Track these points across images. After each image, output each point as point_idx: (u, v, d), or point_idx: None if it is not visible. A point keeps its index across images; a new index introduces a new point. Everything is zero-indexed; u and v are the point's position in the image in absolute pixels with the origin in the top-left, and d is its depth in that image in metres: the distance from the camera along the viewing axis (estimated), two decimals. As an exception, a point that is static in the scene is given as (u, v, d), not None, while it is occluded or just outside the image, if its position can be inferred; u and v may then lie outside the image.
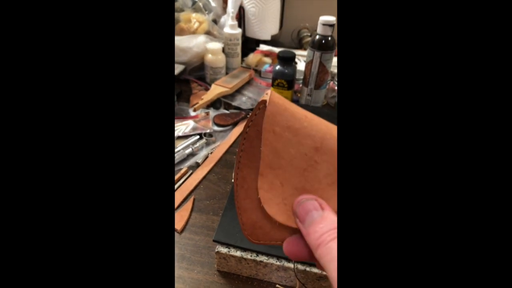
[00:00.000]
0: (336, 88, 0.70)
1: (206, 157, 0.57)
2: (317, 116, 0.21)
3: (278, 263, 0.35)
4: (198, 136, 0.60)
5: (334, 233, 0.17)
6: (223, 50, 0.77)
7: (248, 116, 0.67)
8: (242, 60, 0.85)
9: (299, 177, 0.20)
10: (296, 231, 0.20)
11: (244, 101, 0.71)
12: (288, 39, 1.02)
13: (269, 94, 0.20)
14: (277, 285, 0.36)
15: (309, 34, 0.98)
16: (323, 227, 0.17)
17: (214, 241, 0.36)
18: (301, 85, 0.69)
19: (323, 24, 0.58)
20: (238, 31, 0.78)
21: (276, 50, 0.88)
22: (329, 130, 0.20)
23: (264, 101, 0.20)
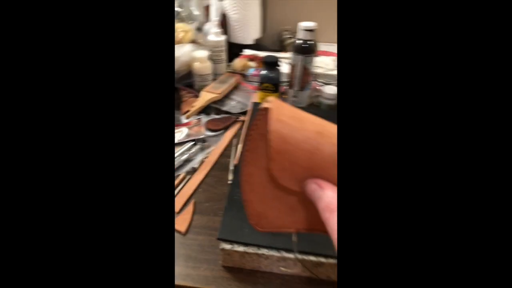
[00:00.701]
0: (318, 87, 0.74)
1: (202, 162, 0.59)
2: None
3: (278, 254, 0.38)
4: (192, 142, 0.62)
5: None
6: (209, 57, 0.80)
7: (238, 119, 0.70)
8: (228, 66, 0.88)
9: (306, 160, 0.21)
10: (298, 209, 0.23)
11: (234, 105, 0.74)
12: (271, 42, 1.06)
13: (272, 99, 0.22)
14: (281, 268, 0.40)
15: (290, 36, 1.01)
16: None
17: (218, 239, 0.40)
18: (286, 87, 0.72)
19: (305, 30, 0.61)
20: (223, 38, 0.81)
21: (260, 54, 0.91)
22: (325, 121, 0.22)
23: (265, 108, 0.22)
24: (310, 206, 0.23)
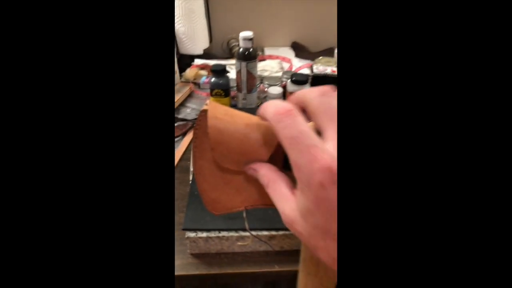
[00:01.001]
0: (265, 89, 0.82)
1: (164, 167, 0.64)
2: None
3: (236, 234, 0.44)
4: (153, 150, 0.67)
5: (265, 185, 0.25)
6: (161, 69, 0.85)
7: (194, 125, 0.75)
8: (181, 76, 0.93)
9: (239, 145, 0.26)
10: (244, 189, 0.29)
11: (189, 112, 0.80)
12: (220, 50, 1.12)
13: (209, 102, 0.29)
14: (238, 243, 0.46)
15: (237, 43, 1.09)
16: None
17: (183, 229, 0.45)
18: (236, 91, 0.79)
19: (244, 39, 0.69)
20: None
21: (210, 62, 0.97)
22: (250, 115, 0.28)
23: (205, 110, 0.27)
24: (253, 185, 0.29)
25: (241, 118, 0.29)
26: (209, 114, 0.28)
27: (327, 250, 0.20)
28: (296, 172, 0.21)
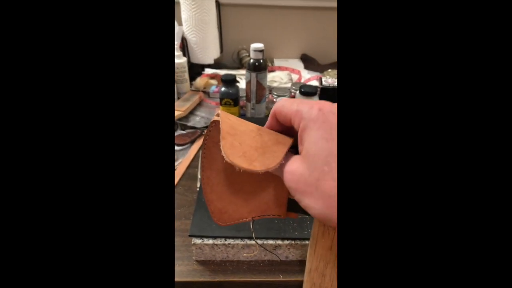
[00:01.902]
0: (274, 100, 0.83)
1: (172, 173, 0.65)
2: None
3: (242, 242, 0.45)
4: (161, 157, 0.68)
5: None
6: (173, 78, 0.87)
7: (203, 133, 0.76)
8: (191, 84, 0.95)
9: (252, 141, 0.26)
10: (251, 200, 0.29)
11: (198, 120, 0.81)
12: (230, 60, 1.14)
13: (220, 112, 0.28)
14: (244, 254, 0.46)
15: (247, 54, 1.11)
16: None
17: (190, 236, 0.45)
18: (245, 101, 0.80)
19: (255, 50, 0.70)
20: (184, 59, 0.88)
21: (220, 72, 0.99)
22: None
23: (215, 120, 0.27)
24: (261, 195, 0.29)
25: (251, 124, 0.29)
26: (222, 117, 0.27)
27: (331, 174, 0.20)
28: (300, 120, 0.24)
